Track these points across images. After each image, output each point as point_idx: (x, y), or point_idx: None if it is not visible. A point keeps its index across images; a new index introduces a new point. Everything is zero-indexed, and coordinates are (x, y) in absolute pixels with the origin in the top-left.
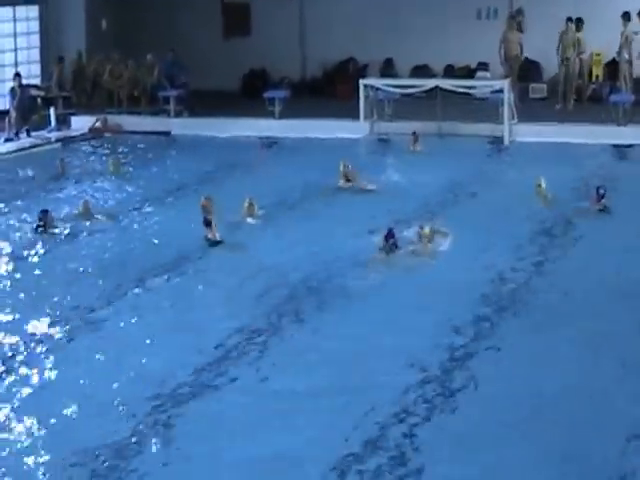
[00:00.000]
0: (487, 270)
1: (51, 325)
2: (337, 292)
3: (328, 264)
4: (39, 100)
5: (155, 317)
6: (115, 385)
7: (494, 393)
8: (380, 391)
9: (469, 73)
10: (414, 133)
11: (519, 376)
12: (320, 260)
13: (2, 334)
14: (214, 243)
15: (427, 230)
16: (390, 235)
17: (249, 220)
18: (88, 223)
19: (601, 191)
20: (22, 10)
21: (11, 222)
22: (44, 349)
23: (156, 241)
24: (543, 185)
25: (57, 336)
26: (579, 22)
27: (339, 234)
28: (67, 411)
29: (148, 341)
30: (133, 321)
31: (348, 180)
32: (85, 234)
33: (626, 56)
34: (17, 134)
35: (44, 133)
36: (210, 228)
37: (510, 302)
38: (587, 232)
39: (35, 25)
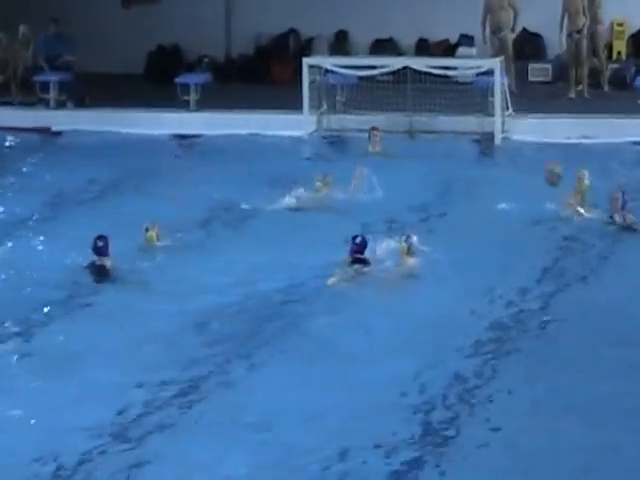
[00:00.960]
0: (475, 300)
1: None
2: (282, 335)
3: (264, 300)
4: None
5: (24, 381)
6: None
7: None
8: None
9: (449, 50)
10: (374, 128)
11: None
12: (251, 295)
13: None
14: (100, 274)
15: (404, 245)
16: (359, 245)
17: (154, 247)
18: None
19: (625, 197)
20: None
21: None
22: None
23: (26, 275)
24: (587, 181)
25: None
26: None
27: (277, 261)
28: None
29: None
30: None
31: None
32: None
33: None
34: None
35: None
36: (105, 257)
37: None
38: (611, 254)
39: None
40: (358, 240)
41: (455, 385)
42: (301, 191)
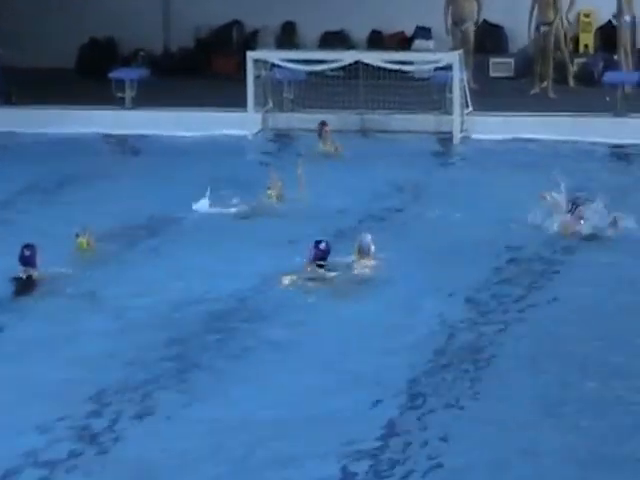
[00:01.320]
0: (430, 304)
1: None
2: (234, 345)
3: (211, 310)
4: None
5: None
6: None
7: None
8: None
9: (404, 43)
10: (324, 123)
11: None
12: (196, 305)
13: None
14: (27, 286)
15: (357, 245)
16: (323, 251)
17: (86, 254)
18: None
19: (581, 207)
20: None
21: None
22: None
23: None
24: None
25: None
26: None
27: (224, 269)
28: None
29: None
30: None
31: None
32: None
33: (627, 18)
34: None
35: None
36: (33, 267)
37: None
38: (571, 268)
39: None
40: (322, 246)
41: (415, 392)
42: (247, 195)
